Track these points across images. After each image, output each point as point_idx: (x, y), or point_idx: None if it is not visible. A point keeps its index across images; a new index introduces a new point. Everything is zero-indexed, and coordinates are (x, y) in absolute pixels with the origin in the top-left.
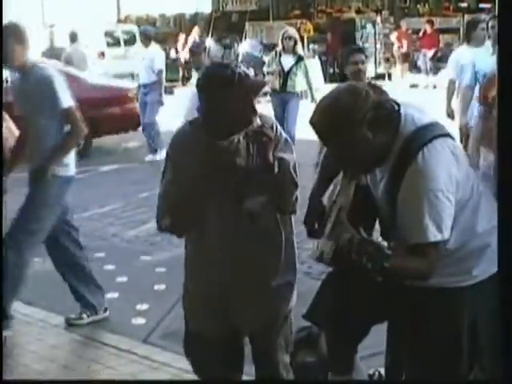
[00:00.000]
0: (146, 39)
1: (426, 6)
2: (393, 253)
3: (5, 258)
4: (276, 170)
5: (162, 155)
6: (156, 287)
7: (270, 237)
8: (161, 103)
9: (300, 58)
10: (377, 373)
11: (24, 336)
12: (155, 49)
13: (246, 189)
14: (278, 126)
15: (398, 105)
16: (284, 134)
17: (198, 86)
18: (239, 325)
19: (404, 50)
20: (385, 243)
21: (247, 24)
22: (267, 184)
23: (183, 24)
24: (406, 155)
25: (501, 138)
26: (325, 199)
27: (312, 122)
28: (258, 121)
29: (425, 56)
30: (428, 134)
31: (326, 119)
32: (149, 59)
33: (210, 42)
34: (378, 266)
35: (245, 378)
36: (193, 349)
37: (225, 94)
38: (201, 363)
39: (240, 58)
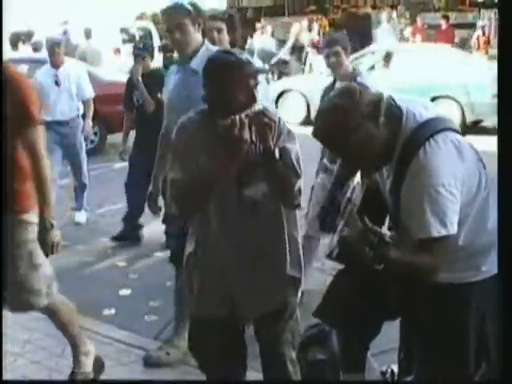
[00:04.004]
0: (54, 54)
1: (442, 0)
2: (396, 244)
3: None
4: (277, 157)
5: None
6: (168, 284)
7: (272, 229)
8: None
9: None
10: (389, 370)
11: (34, 332)
12: (75, 66)
13: (248, 176)
14: (281, 117)
15: (399, 105)
16: (287, 126)
17: (203, 71)
18: (241, 314)
19: None
20: (387, 232)
21: (262, 20)
22: (268, 172)
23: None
24: (409, 152)
25: (501, 138)
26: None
27: (314, 134)
28: (259, 106)
29: None
30: (429, 129)
31: (326, 126)
32: (67, 82)
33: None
34: (379, 254)
35: (250, 372)
36: (197, 339)
37: (226, 76)
38: (203, 352)
39: (255, 54)
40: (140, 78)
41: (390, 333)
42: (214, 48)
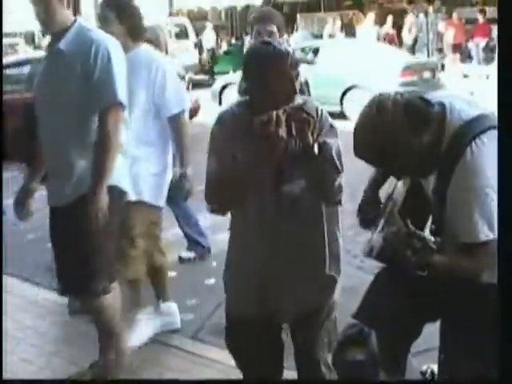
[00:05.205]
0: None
1: None
2: (440, 248)
3: None
4: (316, 152)
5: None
6: (206, 282)
7: (311, 227)
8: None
9: None
10: (429, 370)
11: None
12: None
13: (287, 172)
14: (324, 111)
15: (442, 102)
16: (330, 120)
17: (243, 63)
18: (277, 313)
19: (453, 40)
20: (431, 238)
21: (298, 15)
22: (307, 168)
23: (234, 16)
24: (455, 151)
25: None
26: (382, 193)
27: (358, 155)
28: (299, 100)
29: (477, 46)
30: (475, 128)
31: (367, 148)
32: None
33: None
34: (423, 260)
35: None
36: (233, 337)
37: (266, 69)
38: (241, 353)
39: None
40: None
41: (430, 331)
42: (88, 26)
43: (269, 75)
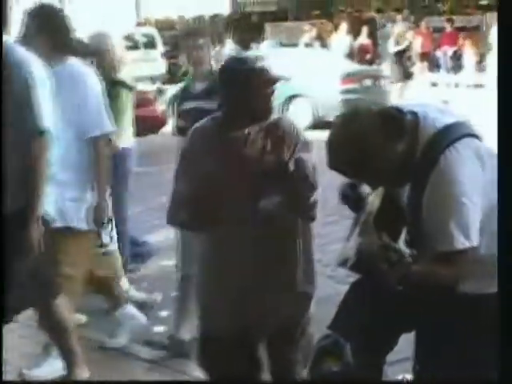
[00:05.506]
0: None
1: (447, 4)
2: (415, 260)
3: None
4: (292, 168)
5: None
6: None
7: (286, 243)
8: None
9: None
10: (405, 380)
11: None
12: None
13: (262, 188)
14: (298, 127)
15: (414, 111)
16: (304, 135)
17: (218, 78)
18: (252, 329)
19: (421, 48)
20: (407, 250)
21: (267, 25)
22: (282, 183)
23: (202, 25)
24: (429, 159)
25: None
26: None
27: (332, 166)
28: (275, 116)
29: (445, 54)
30: (449, 135)
31: (341, 159)
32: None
33: (229, 44)
34: (399, 273)
35: None
36: (207, 355)
37: (241, 86)
38: (215, 370)
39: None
40: None
41: (407, 340)
42: (10, 46)
43: (246, 91)
